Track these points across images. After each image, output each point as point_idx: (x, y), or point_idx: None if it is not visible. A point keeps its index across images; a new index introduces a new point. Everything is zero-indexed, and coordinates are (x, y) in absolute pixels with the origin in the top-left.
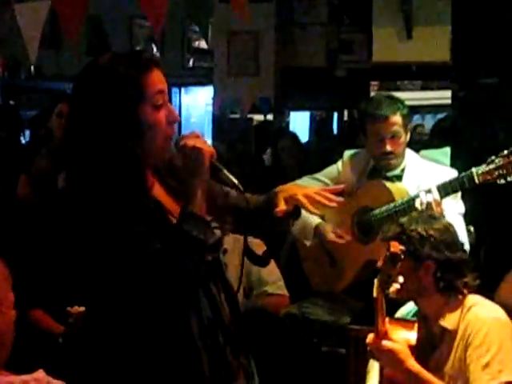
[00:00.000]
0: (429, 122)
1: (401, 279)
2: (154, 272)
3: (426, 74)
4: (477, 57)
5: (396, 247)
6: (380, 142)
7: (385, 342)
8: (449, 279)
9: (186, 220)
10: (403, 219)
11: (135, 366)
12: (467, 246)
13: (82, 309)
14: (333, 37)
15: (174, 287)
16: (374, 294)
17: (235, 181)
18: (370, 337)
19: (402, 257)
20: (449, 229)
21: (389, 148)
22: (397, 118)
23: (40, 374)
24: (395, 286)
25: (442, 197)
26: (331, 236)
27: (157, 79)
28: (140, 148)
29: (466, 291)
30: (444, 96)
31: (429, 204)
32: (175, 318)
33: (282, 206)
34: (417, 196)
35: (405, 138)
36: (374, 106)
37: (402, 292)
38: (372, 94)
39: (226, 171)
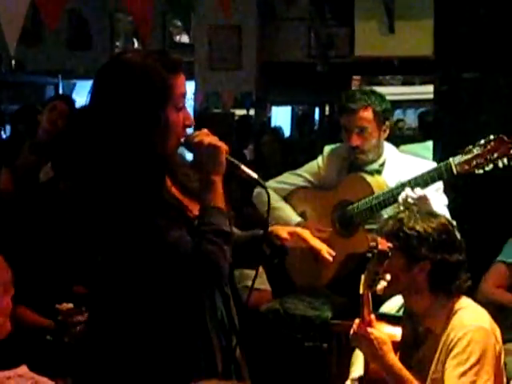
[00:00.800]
0: (410, 116)
1: (388, 277)
2: (176, 263)
3: (408, 69)
4: (459, 51)
5: (384, 244)
6: (348, 135)
7: (371, 330)
8: (442, 281)
9: (211, 213)
10: (402, 215)
11: (150, 358)
12: None
13: (71, 305)
14: (315, 32)
15: (196, 279)
16: (361, 291)
17: (255, 176)
18: (356, 323)
19: (390, 254)
20: (448, 228)
21: (353, 142)
22: (367, 113)
23: (23, 369)
24: (382, 284)
25: (421, 187)
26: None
27: (182, 82)
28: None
29: (457, 293)
30: (425, 91)
31: (421, 198)
32: (192, 312)
33: (286, 235)
34: (382, 194)
35: (377, 134)
36: (345, 99)
37: (389, 289)
38: (353, 88)
39: (243, 167)
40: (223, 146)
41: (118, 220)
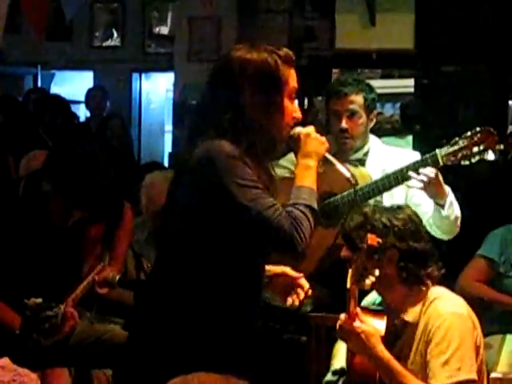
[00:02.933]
0: (388, 110)
1: (377, 272)
2: (265, 222)
3: (388, 62)
4: (440, 44)
5: (373, 240)
6: (337, 118)
7: (358, 324)
8: (412, 269)
9: (305, 191)
10: (366, 208)
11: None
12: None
13: (39, 300)
14: (295, 24)
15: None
16: (348, 285)
17: (348, 174)
18: (342, 317)
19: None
20: (413, 218)
21: (344, 125)
22: (357, 98)
23: (5, 361)
24: (371, 279)
25: (406, 179)
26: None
27: (294, 76)
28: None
29: (429, 282)
30: (404, 84)
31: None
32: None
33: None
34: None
35: (365, 120)
36: (336, 84)
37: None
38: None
39: (338, 165)
40: (326, 144)
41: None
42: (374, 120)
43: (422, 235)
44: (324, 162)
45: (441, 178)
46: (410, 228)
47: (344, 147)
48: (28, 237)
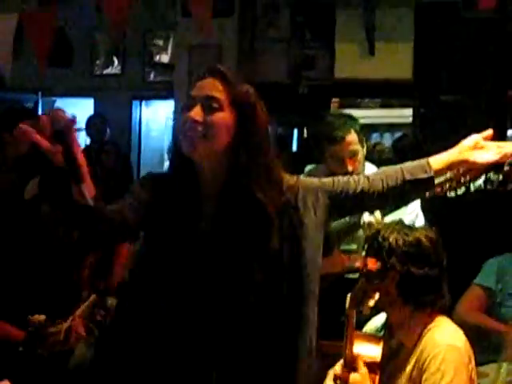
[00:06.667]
0: (387, 140)
1: (376, 296)
2: None
3: (387, 92)
4: (438, 74)
5: (373, 263)
6: (340, 163)
7: (352, 377)
8: (410, 293)
9: None
10: (381, 225)
11: None
12: None
13: (43, 317)
14: (295, 52)
15: None
16: (347, 310)
17: None
18: (339, 366)
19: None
20: (421, 242)
21: (350, 168)
22: (353, 136)
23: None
24: (369, 304)
25: (392, 211)
26: None
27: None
28: None
29: (431, 309)
30: (403, 114)
31: (369, 224)
32: None
33: None
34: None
35: (362, 153)
36: (329, 128)
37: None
38: (332, 111)
39: None
40: None
41: None
42: (365, 146)
43: (428, 260)
44: None
45: None
46: (413, 252)
47: None
48: (31, 255)
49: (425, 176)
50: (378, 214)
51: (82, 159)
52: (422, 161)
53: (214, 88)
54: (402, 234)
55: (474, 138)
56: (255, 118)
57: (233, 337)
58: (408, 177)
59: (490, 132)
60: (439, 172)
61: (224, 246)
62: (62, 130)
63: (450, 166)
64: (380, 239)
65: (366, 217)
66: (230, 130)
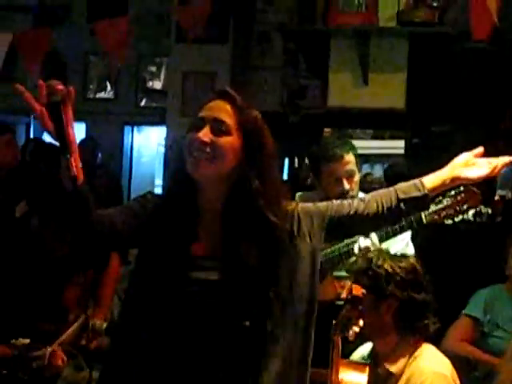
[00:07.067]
0: (378, 171)
1: (361, 323)
2: None
3: (379, 122)
4: (431, 105)
5: (358, 290)
6: (337, 181)
7: None
8: (409, 319)
9: None
10: (371, 254)
11: None
12: None
13: (27, 341)
14: (288, 81)
15: None
16: (332, 336)
17: None
18: None
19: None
20: (416, 268)
21: (347, 187)
22: (351, 157)
23: None
24: (354, 330)
25: (389, 238)
26: None
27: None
28: None
29: (421, 336)
30: (395, 145)
31: (367, 248)
32: None
33: None
34: (355, 241)
35: (358, 177)
36: (327, 148)
37: (361, 334)
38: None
39: None
40: None
41: None
42: (359, 174)
43: (423, 286)
44: None
45: None
46: (411, 278)
47: None
48: (19, 274)
49: (419, 194)
50: (374, 238)
51: (72, 135)
52: (415, 180)
53: (223, 111)
54: (395, 262)
55: (466, 156)
56: (262, 143)
57: (222, 368)
58: (402, 196)
59: (480, 150)
60: (433, 190)
61: (227, 271)
62: (58, 101)
63: (443, 184)
64: (374, 267)
65: (362, 241)
66: (236, 154)
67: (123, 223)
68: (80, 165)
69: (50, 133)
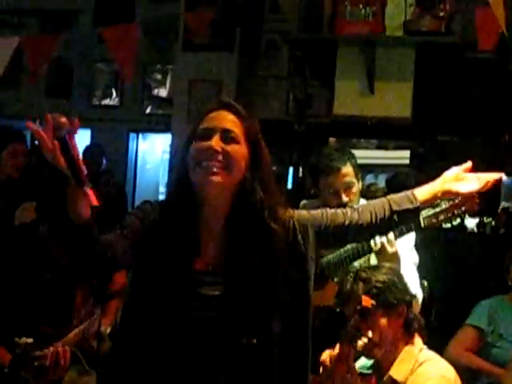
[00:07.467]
0: (382, 181)
1: (370, 334)
2: None
3: (385, 131)
4: (437, 114)
5: (367, 301)
6: (335, 194)
7: None
8: (414, 318)
9: None
10: (364, 274)
11: None
12: (420, 298)
13: (30, 340)
14: (294, 90)
15: None
16: (339, 346)
17: None
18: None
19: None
20: (394, 271)
21: (345, 199)
22: (349, 169)
23: None
24: (363, 341)
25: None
26: None
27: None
28: None
29: (420, 341)
30: (400, 155)
31: (382, 244)
32: None
33: None
34: (355, 247)
35: (357, 187)
36: (324, 160)
37: (369, 345)
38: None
39: None
40: None
41: None
42: (361, 181)
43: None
44: None
45: None
46: (401, 282)
47: None
48: (23, 278)
49: (411, 206)
50: (391, 236)
51: (82, 165)
52: (408, 192)
53: (231, 121)
54: (382, 271)
55: (455, 170)
56: (263, 153)
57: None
58: (395, 207)
59: (469, 164)
60: (424, 202)
61: (230, 285)
62: (64, 136)
63: (435, 197)
64: (374, 284)
65: (378, 240)
66: (246, 162)
67: (124, 252)
68: (93, 194)
69: (61, 168)
